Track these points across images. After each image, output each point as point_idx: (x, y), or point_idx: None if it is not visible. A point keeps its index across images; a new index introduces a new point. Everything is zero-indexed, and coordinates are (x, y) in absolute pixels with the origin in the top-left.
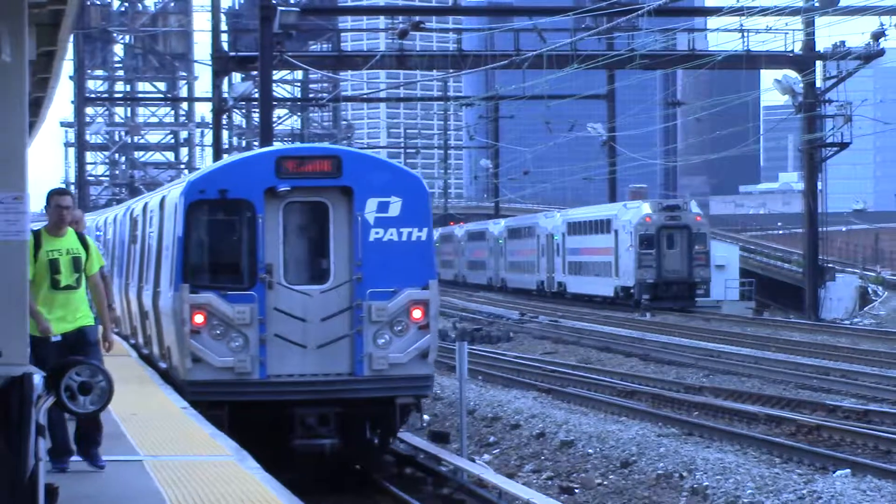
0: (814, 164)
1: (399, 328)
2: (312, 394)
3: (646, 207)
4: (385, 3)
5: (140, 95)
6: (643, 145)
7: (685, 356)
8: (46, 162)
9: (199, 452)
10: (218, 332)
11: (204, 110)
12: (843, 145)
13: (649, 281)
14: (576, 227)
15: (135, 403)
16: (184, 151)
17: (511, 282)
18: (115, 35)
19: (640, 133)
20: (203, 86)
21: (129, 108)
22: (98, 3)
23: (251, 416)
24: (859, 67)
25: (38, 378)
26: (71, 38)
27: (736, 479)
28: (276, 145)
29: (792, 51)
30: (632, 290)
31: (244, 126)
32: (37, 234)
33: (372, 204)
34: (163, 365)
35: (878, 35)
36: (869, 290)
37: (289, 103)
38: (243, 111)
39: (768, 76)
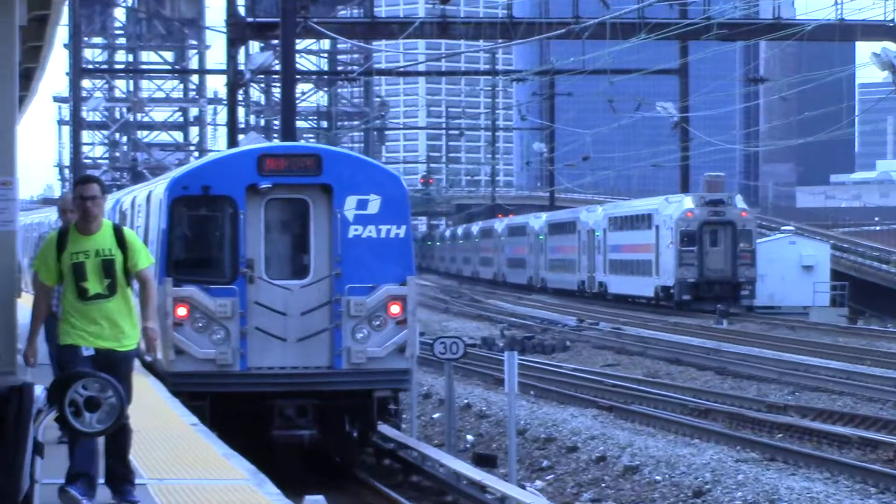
0: None
1: (377, 323)
2: (292, 386)
3: (688, 202)
4: None
5: (144, 67)
6: (720, 128)
7: (767, 370)
8: (37, 142)
9: (211, 475)
10: (200, 324)
11: (217, 84)
12: None
13: (690, 280)
14: (617, 223)
15: (139, 420)
16: (194, 131)
17: (551, 282)
18: None
19: (717, 114)
20: (216, 56)
21: (131, 82)
22: None
23: (232, 407)
24: None
25: (39, 389)
26: (66, 1)
27: None
28: (272, 142)
29: (892, 20)
30: (672, 290)
31: (263, 103)
32: (63, 232)
33: (351, 201)
34: (148, 357)
35: None
36: None
37: (314, 77)
38: (262, 85)
39: (865, 49)
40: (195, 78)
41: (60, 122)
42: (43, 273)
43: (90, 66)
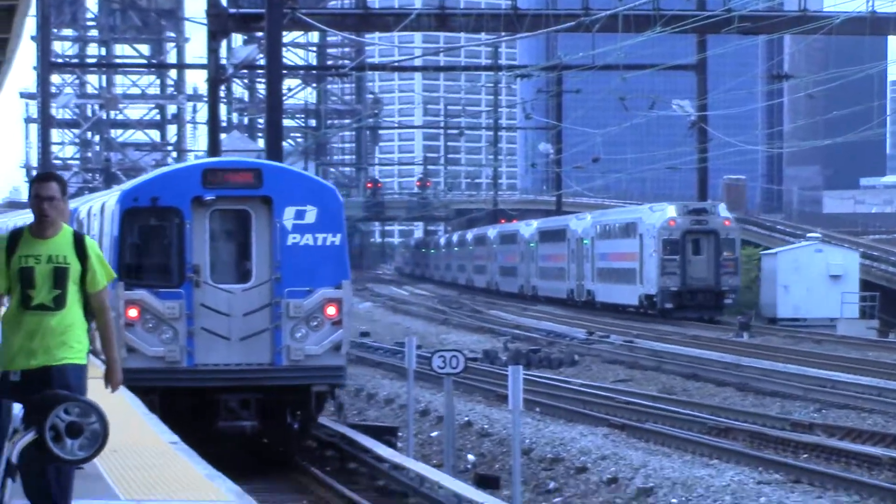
0: None
1: (315, 323)
2: (236, 381)
3: (670, 210)
4: None
5: (118, 61)
6: (741, 127)
7: (791, 386)
8: (2, 141)
9: (193, 497)
10: (150, 325)
11: (197, 80)
12: None
13: (673, 289)
14: (605, 231)
15: (115, 438)
16: (172, 130)
17: (542, 290)
18: None
19: (738, 112)
20: (196, 50)
21: (104, 77)
22: None
23: (179, 400)
24: None
25: (17, 408)
26: None
27: None
28: (255, 143)
29: None
30: (655, 299)
31: (246, 99)
32: (15, 234)
33: (290, 212)
34: (102, 357)
35: None
36: None
37: (302, 72)
38: (246, 81)
39: None
40: (173, 73)
41: (28, 120)
42: None
43: (60, 60)
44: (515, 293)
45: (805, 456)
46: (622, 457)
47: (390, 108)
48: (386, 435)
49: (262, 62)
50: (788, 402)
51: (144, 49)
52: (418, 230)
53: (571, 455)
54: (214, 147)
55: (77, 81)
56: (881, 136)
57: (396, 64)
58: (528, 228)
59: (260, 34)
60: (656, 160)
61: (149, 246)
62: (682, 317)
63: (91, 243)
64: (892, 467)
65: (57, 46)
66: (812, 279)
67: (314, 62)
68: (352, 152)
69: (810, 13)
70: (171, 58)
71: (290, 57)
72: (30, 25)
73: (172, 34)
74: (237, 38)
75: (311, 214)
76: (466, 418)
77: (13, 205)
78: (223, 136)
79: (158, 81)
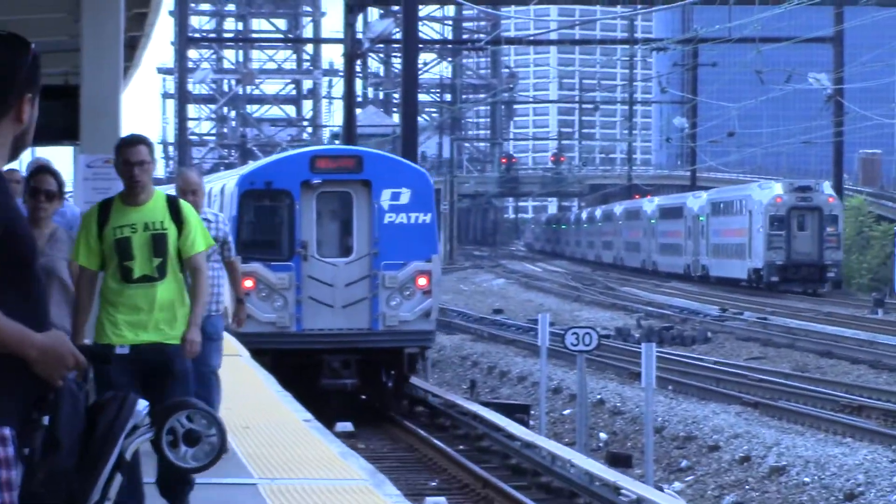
0: None
1: (407, 293)
2: (338, 344)
3: (777, 188)
4: None
5: (255, 35)
6: (878, 101)
7: None
8: (140, 117)
9: (326, 475)
10: (263, 294)
11: (333, 55)
12: None
13: (778, 263)
14: (718, 208)
15: (248, 414)
16: (307, 105)
17: (661, 265)
18: None
19: (876, 86)
20: (332, 24)
21: (241, 52)
22: None
23: (288, 361)
24: None
25: (142, 405)
26: None
27: None
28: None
29: None
30: (761, 273)
31: (382, 74)
32: (105, 204)
33: (386, 194)
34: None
35: None
36: None
37: (438, 46)
38: (381, 56)
39: None
40: (309, 48)
41: (165, 96)
42: (83, 255)
43: (197, 35)
44: (638, 268)
45: None
46: (755, 435)
47: (525, 83)
48: (518, 413)
49: (398, 36)
50: None
51: (281, 24)
52: (552, 206)
53: (704, 433)
54: (350, 122)
55: (214, 56)
56: None
57: (532, 38)
58: (650, 205)
59: (396, 8)
60: (791, 134)
61: (263, 224)
62: (787, 290)
63: (187, 206)
64: None
65: (194, 21)
66: None
67: (450, 36)
68: (486, 127)
69: None
70: (308, 32)
71: (426, 31)
72: (168, 0)
73: (309, 9)
74: (373, 13)
75: (405, 196)
76: (599, 396)
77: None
78: (359, 111)
79: (294, 56)
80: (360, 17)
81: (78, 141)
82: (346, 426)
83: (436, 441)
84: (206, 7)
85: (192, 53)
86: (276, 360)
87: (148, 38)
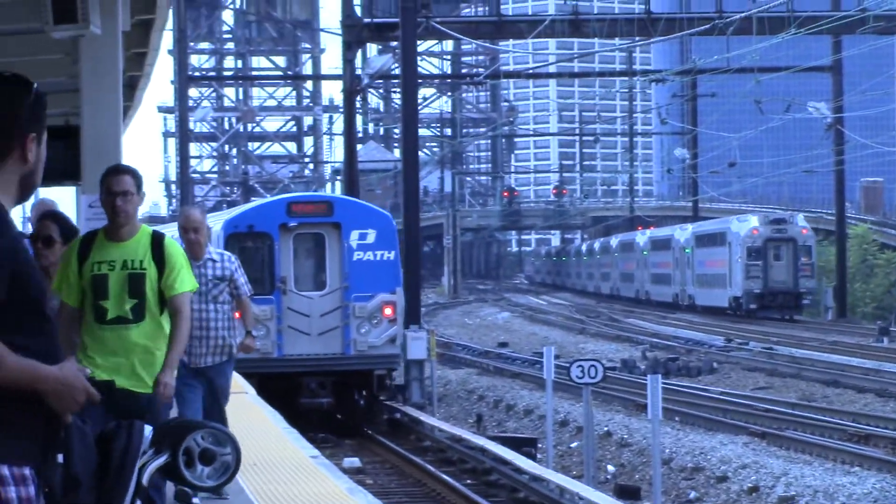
0: None
1: (375, 321)
2: (315, 367)
3: (753, 221)
4: None
5: (254, 73)
6: (879, 129)
7: None
8: (142, 156)
9: None
10: None
11: (333, 91)
12: None
13: (756, 291)
14: (702, 240)
15: (256, 451)
16: (308, 141)
17: (653, 294)
18: None
19: (875, 114)
20: (331, 61)
21: (241, 89)
22: None
23: (272, 383)
24: None
25: (147, 430)
26: (171, 5)
27: None
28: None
29: None
30: (740, 300)
31: (382, 110)
32: (87, 238)
33: (354, 234)
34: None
35: None
36: None
37: (437, 81)
38: (381, 91)
39: None
40: (309, 84)
41: (166, 134)
42: (63, 290)
43: (197, 74)
44: (632, 297)
45: None
46: (763, 465)
47: (525, 116)
48: (525, 446)
49: (397, 72)
50: None
51: (280, 61)
52: (555, 238)
53: (712, 464)
54: (351, 158)
55: (214, 95)
56: None
57: (531, 71)
58: (642, 237)
59: (395, 44)
60: (793, 164)
61: (246, 262)
62: (765, 316)
63: (172, 245)
64: None
65: (194, 60)
66: None
67: (449, 71)
68: (487, 161)
69: None
70: (307, 69)
71: (425, 66)
72: (167, 39)
73: (308, 45)
74: (372, 48)
75: (371, 236)
76: (606, 428)
77: (153, 220)
78: (360, 146)
79: (294, 93)
80: (358, 54)
81: (79, 181)
82: (353, 462)
83: (443, 476)
84: (205, 46)
85: (193, 92)
86: (262, 384)
87: (147, 78)
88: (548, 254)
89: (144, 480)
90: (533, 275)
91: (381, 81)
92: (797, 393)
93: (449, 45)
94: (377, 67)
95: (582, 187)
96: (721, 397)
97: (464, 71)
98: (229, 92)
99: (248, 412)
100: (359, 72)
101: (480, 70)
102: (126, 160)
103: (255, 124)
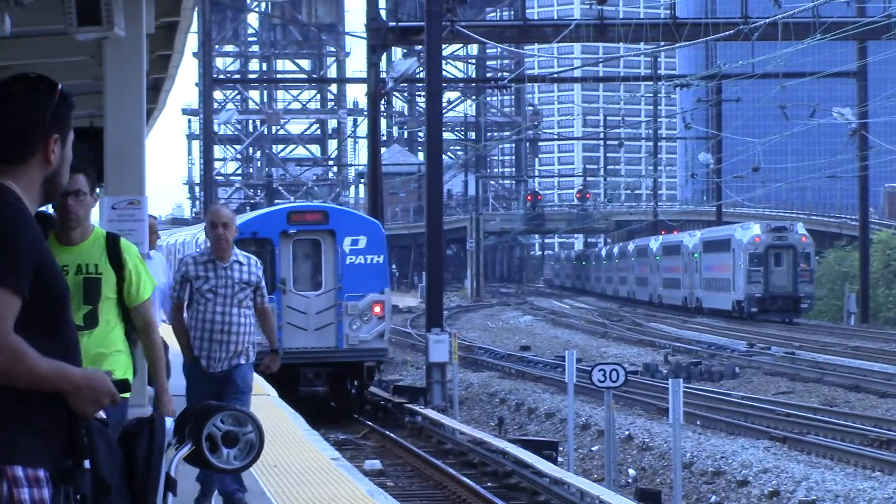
0: None
1: (365, 318)
2: (311, 359)
3: (756, 228)
4: None
5: (279, 76)
6: None
7: None
8: (166, 158)
9: None
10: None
11: (357, 94)
12: None
13: (757, 295)
14: (708, 246)
15: (276, 453)
16: (332, 144)
17: (665, 298)
18: (248, 2)
19: None
20: (356, 64)
21: (265, 92)
22: None
23: (273, 374)
24: None
25: (169, 422)
26: (195, 7)
27: None
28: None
29: None
30: (742, 304)
31: (406, 113)
32: None
33: (347, 241)
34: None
35: None
36: None
37: (461, 85)
38: (405, 94)
39: None
40: (334, 87)
41: (190, 137)
42: None
43: (222, 76)
44: (646, 301)
45: None
46: (784, 470)
47: (549, 120)
48: (546, 449)
49: (421, 75)
50: None
51: (305, 64)
52: (578, 242)
53: (733, 468)
54: (375, 161)
55: (239, 97)
56: None
57: (556, 75)
58: (655, 243)
59: (419, 47)
60: (816, 169)
61: None
62: (766, 319)
63: (128, 246)
64: None
65: (219, 62)
66: None
67: (473, 75)
68: (511, 164)
69: None
70: (332, 72)
71: (450, 70)
72: (192, 42)
73: (333, 48)
74: (397, 52)
75: (362, 242)
76: (627, 432)
77: (177, 221)
78: (383, 149)
79: (319, 96)
80: (383, 57)
81: (102, 183)
82: (374, 464)
83: (464, 478)
84: (230, 48)
85: (217, 94)
86: (265, 374)
87: (172, 81)
88: (567, 258)
89: (173, 472)
90: (552, 278)
91: (405, 85)
92: (819, 398)
93: (474, 48)
94: (402, 71)
95: (606, 191)
96: (742, 402)
97: (488, 75)
98: (254, 95)
99: (269, 414)
100: (383, 75)
101: (505, 74)
102: (150, 162)
103: (279, 127)
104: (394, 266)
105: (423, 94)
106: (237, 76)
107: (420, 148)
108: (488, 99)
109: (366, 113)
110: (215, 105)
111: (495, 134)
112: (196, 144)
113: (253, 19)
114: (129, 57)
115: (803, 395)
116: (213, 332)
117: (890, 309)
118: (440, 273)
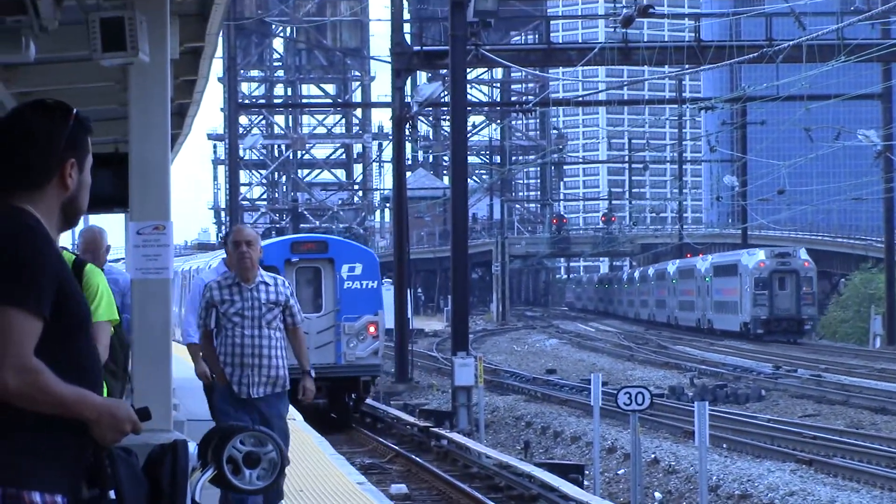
0: None
1: (361, 338)
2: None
3: (761, 254)
4: None
5: (304, 101)
6: None
7: None
8: (191, 183)
9: None
10: None
11: (382, 118)
12: None
13: (763, 317)
14: (718, 270)
15: (302, 478)
16: (357, 169)
17: (681, 319)
18: (273, 27)
19: None
20: (380, 88)
21: (290, 117)
22: None
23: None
24: None
25: (192, 447)
26: (221, 32)
27: None
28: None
29: None
30: (749, 326)
31: (431, 137)
32: None
33: (345, 268)
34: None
35: None
36: None
37: (486, 109)
38: (430, 118)
39: None
40: (359, 112)
41: (216, 162)
42: None
43: (247, 101)
44: (664, 322)
45: None
46: (810, 492)
47: (574, 143)
48: (572, 473)
49: (446, 99)
50: None
51: (330, 88)
52: (604, 265)
53: (759, 491)
54: (400, 185)
55: (264, 122)
56: None
57: (580, 98)
58: (672, 267)
59: (444, 71)
60: (842, 191)
61: None
62: (772, 339)
63: (93, 271)
64: None
65: (244, 87)
66: None
67: (498, 98)
68: (536, 188)
69: None
70: (357, 97)
71: (475, 94)
72: (217, 67)
73: (357, 73)
74: (422, 76)
75: (358, 269)
76: (653, 455)
77: (203, 246)
78: (409, 174)
79: (344, 120)
80: (408, 81)
81: (128, 208)
82: (400, 488)
83: (490, 502)
84: (255, 73)
85: (243, 119)
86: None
87: (197, 106)
88: (589, 281)
89: (198, 497)
90: (574, 301)
91: (430, 109)
92: (845, 420)
93: (498, 72)
94: (426, 95)
95: (631, 215)
96: (769, 424)
97: (513, 98)
98: (279, 119)
99: (296, 438)
100: (408, 99)
101: (530, 97)
102: (175, 187)
103: (304, 151)
104: (419, 290)
105: (447, 118)
106: (262, 101)
107: (445, 172)
108: (513, 123)
109: (391, 137)
110: (240, 130)
111: (520, 157)
112: (222, 169)
113: (278, 44)
114: (153, 82)
115: (829, 418)
116: (244, 356)
117: None
118: (466, 297)
